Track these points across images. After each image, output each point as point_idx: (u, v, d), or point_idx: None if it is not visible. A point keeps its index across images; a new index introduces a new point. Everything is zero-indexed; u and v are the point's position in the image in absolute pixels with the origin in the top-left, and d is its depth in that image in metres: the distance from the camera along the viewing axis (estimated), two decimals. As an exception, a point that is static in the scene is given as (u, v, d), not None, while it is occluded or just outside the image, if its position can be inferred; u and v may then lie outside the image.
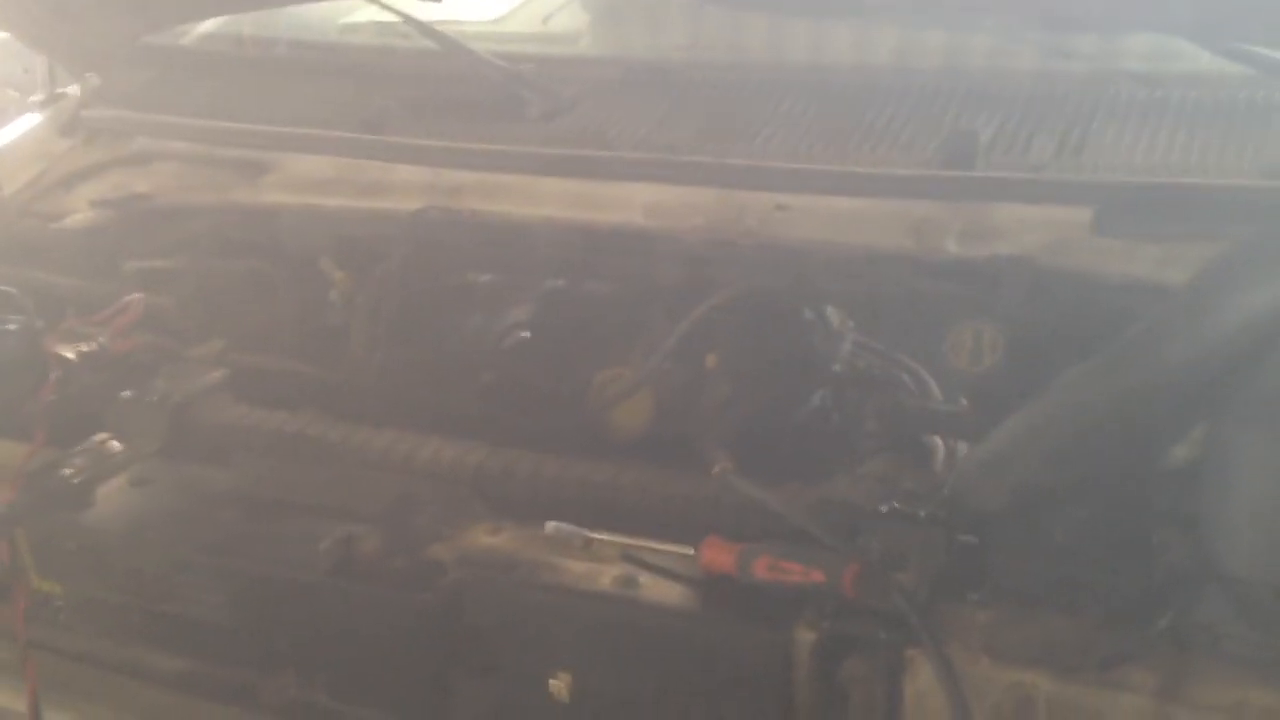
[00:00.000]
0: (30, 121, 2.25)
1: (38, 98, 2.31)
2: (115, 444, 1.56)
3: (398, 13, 1.98)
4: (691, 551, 1.27)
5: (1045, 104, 1.68)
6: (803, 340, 1.58)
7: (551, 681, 1.25)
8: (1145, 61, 1.74)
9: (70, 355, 1.63)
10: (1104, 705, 1.11)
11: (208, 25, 2.32)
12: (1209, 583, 1.14)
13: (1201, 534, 1.15)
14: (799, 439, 1.53)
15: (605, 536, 1.33)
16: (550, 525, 1.35)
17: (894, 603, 1.17)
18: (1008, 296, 1.47)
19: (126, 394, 1.59)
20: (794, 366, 1.57)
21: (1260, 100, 1.60)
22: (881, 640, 1.18)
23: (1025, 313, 1.45)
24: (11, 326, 1.65)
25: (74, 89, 2.26)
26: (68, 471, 1.50)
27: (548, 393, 1.65)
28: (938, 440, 1.44)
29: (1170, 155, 1.56)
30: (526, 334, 1.75)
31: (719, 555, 1.25)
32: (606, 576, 1.28)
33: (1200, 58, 1.67)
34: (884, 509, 1.27)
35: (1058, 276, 1.47)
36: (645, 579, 1.27)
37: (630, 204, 1.70)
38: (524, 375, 1.68)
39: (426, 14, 2.04)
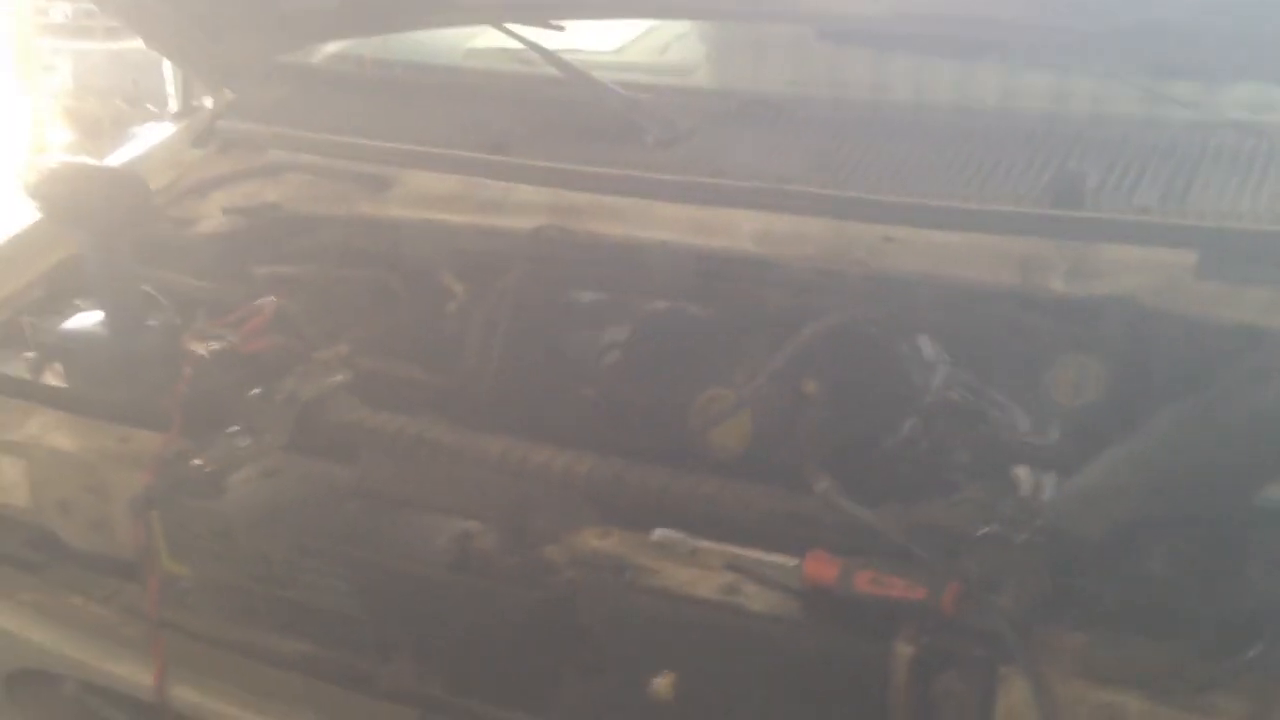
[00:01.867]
0: (164, 132, 2.37)
1: (172, 109, 2.42)
2: (245, 438, 1.64)
3: (523, 39, 2.06)
4: (795, 563, 1.32)
5: (1150, 149, 1.72)
6: (898, 369, 1.62)
7: (655, 681, 1.31)
8: (1249, 110, 1.77)
9: (203, 353, 1.71)
10: (1190, 726, 1.15)
11: (335, 45, 2.42)
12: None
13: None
14: (889, 465, 1.58)
15: (711, 545, 1.39)
16: (658, 532, 1.41)
17: (991, 622, 1.21)
18: (1110, 335, 1.51)
19: (256, 391, 1.67)
20: (888, 395, 1.61)
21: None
22: (977, 657, 1.22)
23: (1127, 351, 1.49)
24: (153, 323, 1.74)
25: (207, 102, 2.37)
26: (199, 461, 1.57)
27: (651, 410, 1.71)
28: (1024, 471, 1.48)
29: (1275, 203, 1.59)
30: (631, 352, 1.81)
31: (822, 568, 1.30)
32: (711, 583, 1.33)
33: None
34: (981, 532, 1.31)
35: (1161, 317, 1.51)
36: (749, 587, 1.32)
37: (740, 231, 1.76)
38: (628, 392, 1.74)
39: (550, 41, 2.12)
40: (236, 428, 1.65)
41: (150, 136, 2.37)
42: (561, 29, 2.09)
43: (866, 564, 1.28)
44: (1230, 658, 1.16)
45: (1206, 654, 1.18)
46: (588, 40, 2.21)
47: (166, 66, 3.14)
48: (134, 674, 1.52)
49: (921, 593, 1.25)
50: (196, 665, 1.51)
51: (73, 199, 1.67)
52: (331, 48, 2.43)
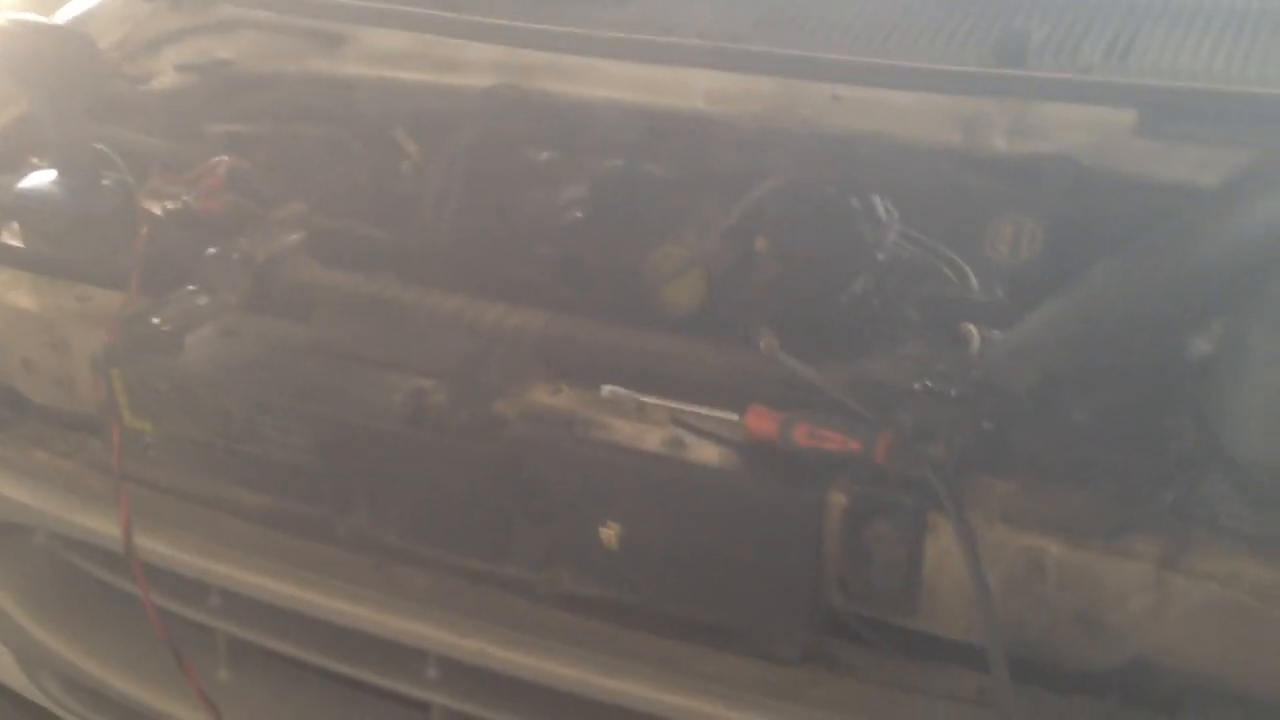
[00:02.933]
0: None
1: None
2: (202, 297, 1.66)
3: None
4: (736, 418, 1.37)
5: (1095, 8, 1.74)
6: (850, 228, 1.65)
7: (601, 530, 1.36)
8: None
9: (159, 212, 1.72)
10: (1108, 570, 1.21)
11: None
12: (1214, 465, 1.23)
13: (1210, 420, 1.23)
14: (841, 321, 1.61)
15: (656, 400, 1.43)
16: (606, 388, 1.46)
17: (920, 471, 1.27)
18: (1049, 193, 1.55)
19: (212, 251, 1.69)
20: (840, 252, 1.65)
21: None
22: (907, 505, 1.28)
23: (1065, 209, 1.53)
24: (107, 182, 1.75)
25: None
26: (158, 320, 1.60)
27: (604, 267, 1.74)
28: (972, 328, 1.53)
29: (1215, 62, 1.61)
30: (585, 211, 1.83)
31: (762, 422, 1.35)
32: (656, 437, 1.38)
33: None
34: (917, 386, 1.36)
35: (1099, 175, 1.54)
36: (692, 440, 1.37)
37: (692, 90, 1.77)
38: (582, 250, 1.77)
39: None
40: (193, 287, 1.68)
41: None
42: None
43: (805, 418, 1.33)
44: (1146, 504, 1.23)
45: (1125, 500, 1.24)
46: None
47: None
48: (100, 524, 1.57)
49: (855, 444, 1.30)
50: (160, 517, 1.55)
51: (22, 57, 1.66)
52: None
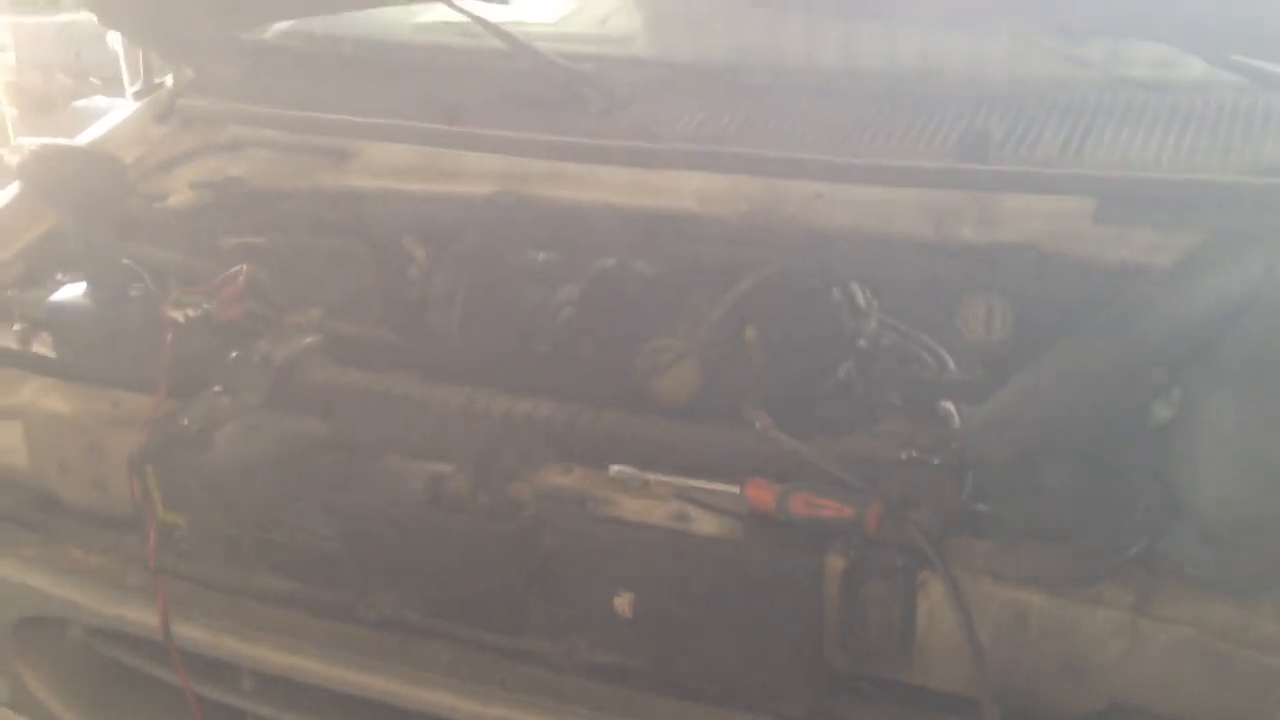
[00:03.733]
0: (127, 109, 2.47)
1: (135, 87, 2.52)
2: (226, 397, 1.77)
3: (467, 13, 2.18)
4: (737, 490, 1.47)
5: (1053, 106, 1.88)
6: (832, 317, 1.77)
7: (616, 600, 1.46)
8: (1150, 69, 1.92)
9: (182, 319, 1.83)
10: (1084, 617, 1.32)
11: (285, 24, 2.53)
12: (1178, 519, 1.34)
13: (1173, 478, 1.35)
14: (827, 406, 1.73)
15: (661, 477, 1.54)
16: (614, 468, 1.56)
17: (909, 536, 1.37)
18: (1016, 277, 1.67)
19: (234, 354, 1.80)
20: (824, 341, 1.76)
21: (1249, 107, 1.79)
22: (899, 567, 1.38)
23: (1031, 291, 1.65)
24: (134, 294, 1.86)
25: (168, 80, 2.47)
26: (187, 421, 1.70)
27: (602, 362, 1.84)
28: (950, 406, 1.64)
29: (1164, 154, 1.75)
30: (581, 308, 1.94)
31: (761, 493, 1.45)
32: (662, 511, 1.48)
33: (1199, 67, 1.86)
34: (903, 457, 1.48)
35: (1060, 260, 1.67)
36: (696, 513, 1.48)
37: (680, 191, 1.90)
38: (581, 346, 1.88)
39: (494, 15, 2.24)
40: (218, 389, 1.78)
41: (115, 114, 2.47)
42: (506, 2, 2.21)
43: (801, 489, 1.44)
44: (1115, 555, 1.33)
45: (1096, 553, 1.35)
46: (529, 12, 2.33)
47: (111, 39, 3.20)
48: (137, 615, 1.65)
49: (849, 512, 1.41)
50: (193, 606, 1.64)
51: (56, 178, 1.78)
52: (281, 25, 2.53)
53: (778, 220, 1.83)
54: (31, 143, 1.84)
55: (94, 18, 2.46)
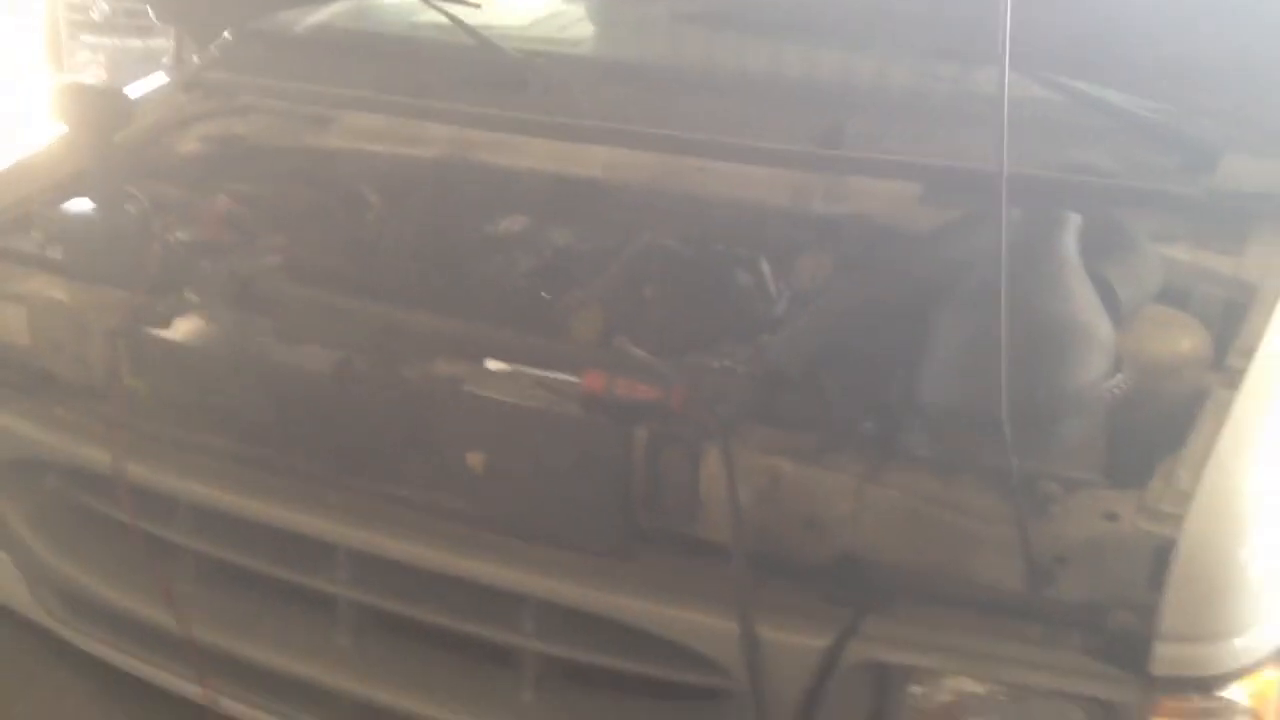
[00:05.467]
0: (159, 79, 2.89)
1: (167, 62, 2.95)
2: (194, 296, 2.13)
3: (446, 13, 2.59)
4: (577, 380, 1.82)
5: (909, 110, 2.23)
6: (711, 277, 2.09)
7: (469, 457, 1.81)
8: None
9: (170, 237, 2.22)
10: (822, 481, 1.64)
11: (314, 17, 2.95)
12: (910, 408, 1.66)
13: (912, 380, 1.67)
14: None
15: (526, 370, 1.88)
16: (491, 361, 1.91)
17: (700, 415, 1.71)
18: (846, 241, 2.02)
19: (206, 265, 2.17)
20: (702, 293, 2.08)
21: (1058, 117, 2.13)
22: (687, 438, 1.71)
23: (858, 252, 1.99)
24: (130, 209, 2.25)
25: (196, 58, 2.90)
26: (158, 308, 2.08)
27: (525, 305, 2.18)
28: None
29: (986, 152, 2.08)
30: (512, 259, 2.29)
31: (595, 380, 1.79)
32: (516, 391, 1.83)
33: (1035, 87, 2.19)
34: (716, 365, 1.82)
35: (883, 229, 2.01)
36: (543, 395, 1.82)
37: (592, 162, 2.27)
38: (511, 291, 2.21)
39: (472, 17, 2.64)
40: (189, 292, 2.15)
41: (149, 82, 2.90)
42: (478, 6, 2.62)
43: (625, 377, 1.78)
44: (848, 431, 1.66)
45: (836, 432, 1.68)
46: (503, 16, 2.74)
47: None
48: (98, 456, 2.02)
49: (658, 394, 1.74)
50: (144, 453, 2.00)
51: (69, 106, 2.19)
52: (313, 19, 2.96)
53: (665, 187, 2.19)
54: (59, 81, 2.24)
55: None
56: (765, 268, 2.04)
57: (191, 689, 2.03)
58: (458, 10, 2.62)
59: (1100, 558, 1.53)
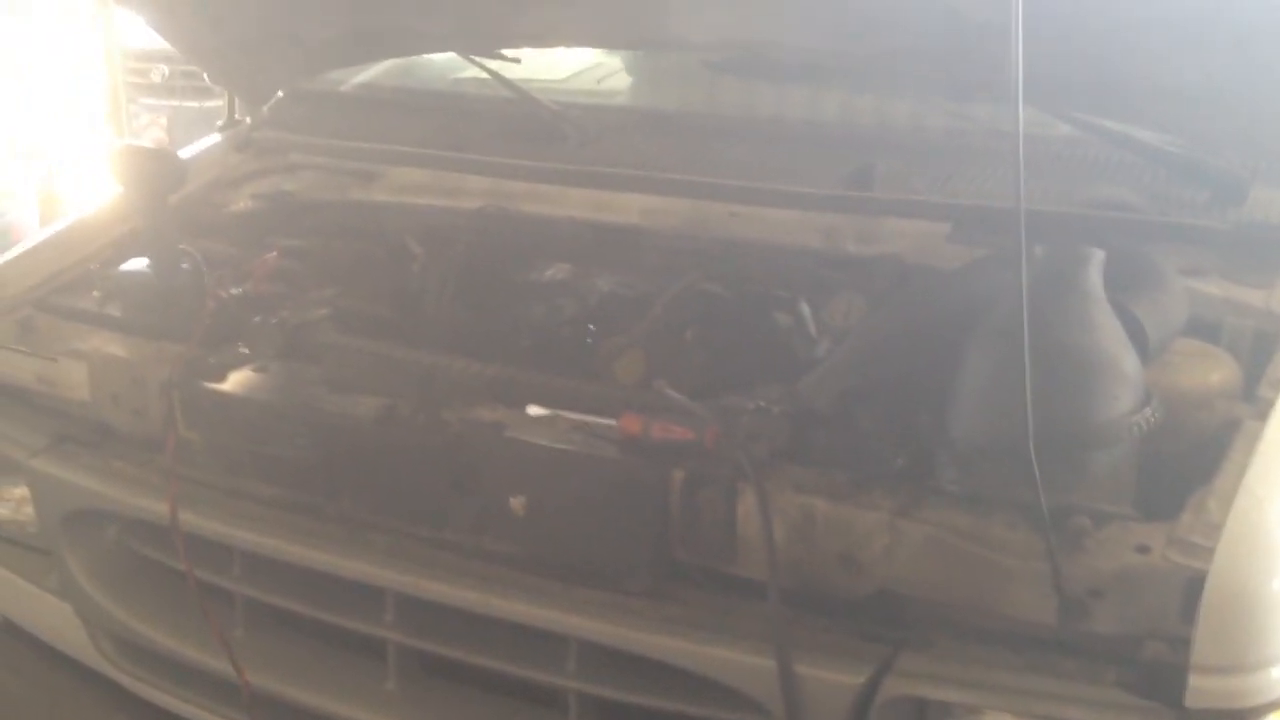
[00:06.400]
0: (213, 139, 2.99)
1: (220, 123, 3.04)
2: (245, 349, 2.20)
3: (484, 67, 2.66)
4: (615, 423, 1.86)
5: (940, 151, 2.27)
6: (750, 319, 2.12)
7: (511, 500, 1.85)
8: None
9: (222, 293, 2.29)
10: (856, 518, 1.67)
11: (361, 76, 3.04)
12: (941, 445, 1.69)
13: (943, 416, 1.70)
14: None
15: (565, 414, 1.92)
16: (532, 407, 1.95)
17: (735, 455, 1.74)
18: (881, 281, 2.05)
19: (257, 319, 2.24)
20: (741, 335, 2.12)
21: (1085, 154, 2.16)
22: (724, 477, 1.75)
23: (889, 290, 2.03)
24: (185, 267, 2.33)
25: (247, 119, 2.99)
26: (213, 361, 2.15)
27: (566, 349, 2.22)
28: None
29: (1005, 188, 2.11)
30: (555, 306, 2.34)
31: (632, 423, 1.83)
32: (556, 435, 1.87)
33: (1063, 126, 2.23)
34: (751, 406, 1.85)
35: (916, 268, 2.05)
36: (581, 438, 1.86)
37: (629, 209, 2.32)
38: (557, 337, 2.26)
39: (512, 71, 2.72)
40: (242, 346, 2.22)
41: (203, 143, 2.99)
42: (518, 61, 2.69)
43: (660, 419, 1.82)
44: (881, 469, 1.69)
45: (872, 470, 1.70)
46: (543, 71, 2.81)
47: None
48: (155, 507, 2.08)
49: (692, 435, 1.78)
50: (199, 501, 2.06)
51: (126, 169, 2.27)
52: (360, 77, 3.05)
53: (701, 232, 2.23)
54: (116, 144, 2.33)
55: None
56: (803, 309, 2.09)
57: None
58: (498, 65, 2.69)
59: (1132, 590, 1.55)
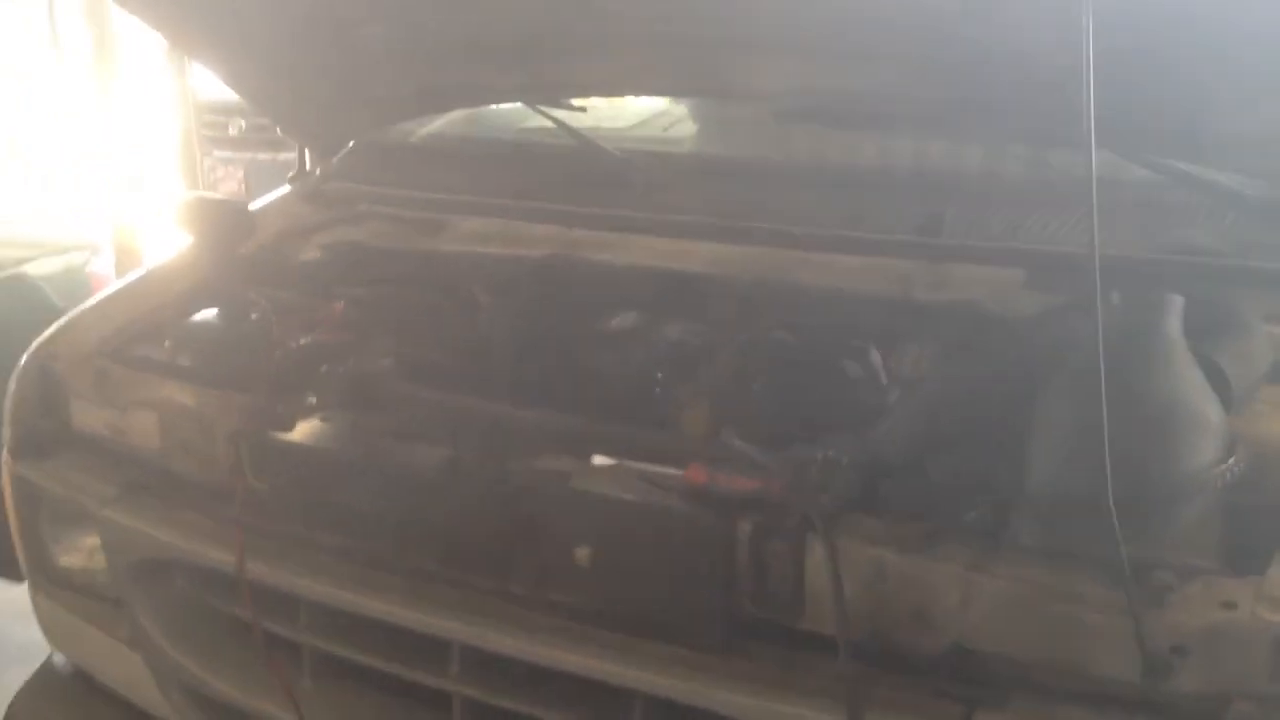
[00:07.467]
0: (283, 190, 3.02)
1: (291, 174, 3.07)
2: (313, 399, 2.21)
3: (550, 116, 2.67)
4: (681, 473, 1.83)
5: (998, 195, 2.23)
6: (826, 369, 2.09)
7: (576, 551, 1.83)
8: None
9: (291, 343, 2.30)
10: (929, 572, 1.63)
11: (428, 127, 3.07)
12: (1018, 498, 1.64)
13: (1019, 469, 1.66)
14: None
15: (632, 464, 1.90)
16: (598, 458, 1.94)
17: (804, 508, 1.71)
18: (955, 330, 2.02)
19: (324, 368, 2.25)
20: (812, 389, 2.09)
21: (1161, 198, 2.11)
22: (790, 529, 1.71)
23: (962, 338, 1.99)
24: (254, 316, 2.34)
25: (317, 171, 3.02)
26: (280, 410, 2.15)
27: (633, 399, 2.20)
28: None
29: (1082, 233, 2.07)
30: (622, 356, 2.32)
31: (698, 474, 1.81)
32: (620, 486, 1.85)
33: (1127, 166, 2.18)
34: (820, 456, 1.82)
35: (990, 317, 2.01)
36: (646, 489, 1.84)
37: (696, 257, 2.30)
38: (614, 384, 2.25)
39: (578, 120, 2.72)
40: (307, 394, 2.23)
41: (273, 195, 3.02)
42: (583, 110, 2.69)
43: (726, 470, 1.79)
44: (954, 522, 1.65)
45: (945, 523, 1.66)
46: (609, 120, 2.81)
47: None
48: (222, 556, 2.08)
49: (760, 485, 1.75)
50: (266, 551, 2.06)
51: (194, 219, 2.29)
52: (428, 128, 3.08)
53: (769, 280, 2.21)
54: (187, 195, 2.36)
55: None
56: (873, 357, 2.05)
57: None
58: (564, 114, 2.70)
59: (1219, 648, 1.49)
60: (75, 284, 4.14)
